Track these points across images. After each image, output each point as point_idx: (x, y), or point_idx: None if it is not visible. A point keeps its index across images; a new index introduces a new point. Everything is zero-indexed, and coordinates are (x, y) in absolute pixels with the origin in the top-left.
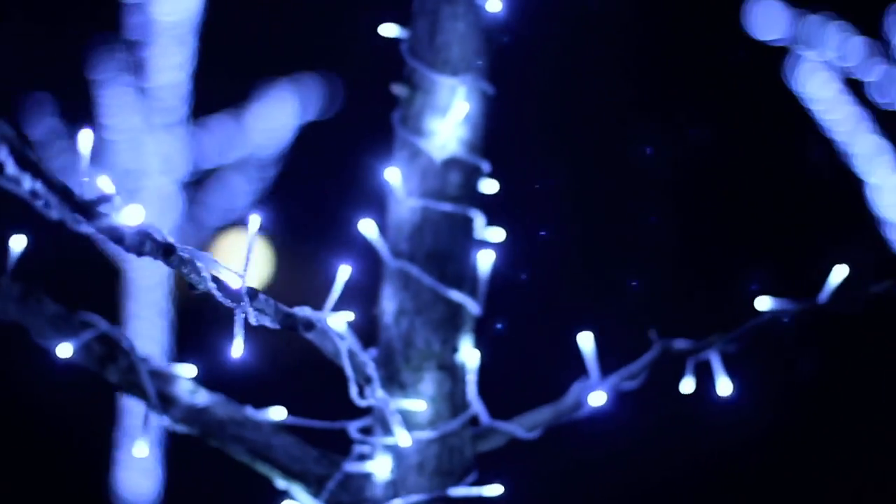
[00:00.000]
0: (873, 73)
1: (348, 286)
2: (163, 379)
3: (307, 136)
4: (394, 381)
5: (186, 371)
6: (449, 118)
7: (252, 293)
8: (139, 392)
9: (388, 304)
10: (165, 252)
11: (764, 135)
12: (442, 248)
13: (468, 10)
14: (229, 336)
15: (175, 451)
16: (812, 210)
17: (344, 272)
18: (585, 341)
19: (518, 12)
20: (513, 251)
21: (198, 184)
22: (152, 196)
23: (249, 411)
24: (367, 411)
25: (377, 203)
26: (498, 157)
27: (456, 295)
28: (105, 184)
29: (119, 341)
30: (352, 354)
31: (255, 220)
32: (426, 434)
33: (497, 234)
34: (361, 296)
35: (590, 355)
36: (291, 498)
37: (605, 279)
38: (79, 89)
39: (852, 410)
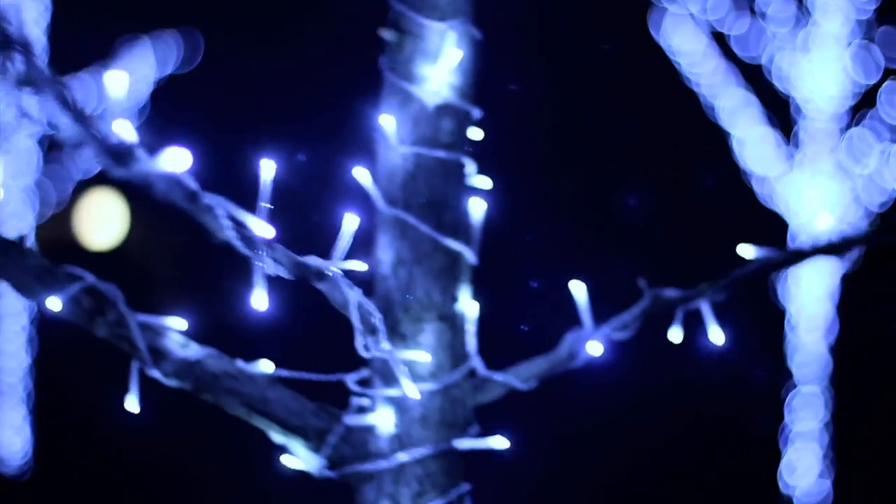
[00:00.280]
0: (738, 27)
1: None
2: (153, 332)
3: (291, 83)
4: (394, 333)
5: (177, 324)
6: (441, 64)
7: (270, 243)
8: (129, 345)
9: (385, 253)
10: (191, 199)
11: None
12: (437, 196)
13: None
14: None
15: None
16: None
17: (350, 221)
18: (578, 290)
19: None
20: (503, 199)
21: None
22: (11, 152)
23: (242, 364)
24: (363, 363)
25: (365, 150)
26: (487, 103)
27: (454, 244)
28: (127, 130)
29: (106, 294)
30: (359, 305)
31: (268, 166)
32: (429, 386)
33: (485, 182)
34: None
35: (583, 304)
36: (289, 453)
37: (595, 228)
38: None
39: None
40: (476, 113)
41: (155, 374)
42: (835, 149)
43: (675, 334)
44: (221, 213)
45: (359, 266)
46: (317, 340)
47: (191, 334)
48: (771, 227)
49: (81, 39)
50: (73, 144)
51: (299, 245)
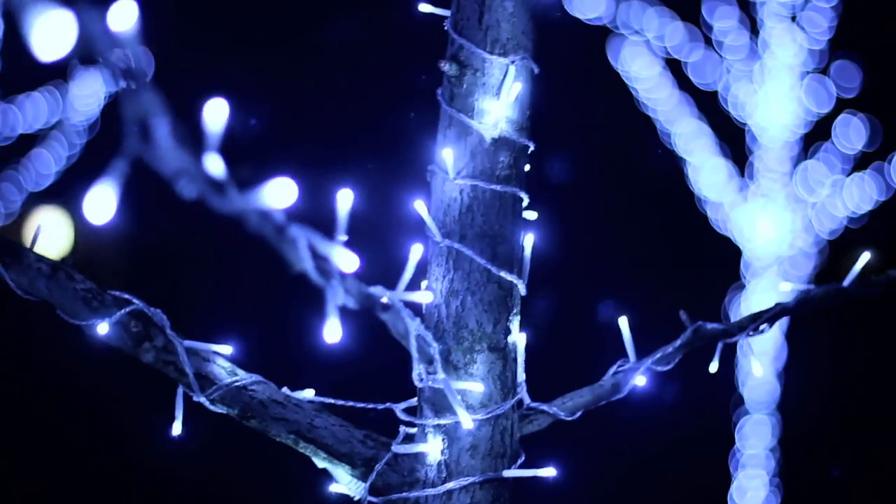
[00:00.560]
0: (693, 56)
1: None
2: (200, 358)
3: (347, 114)
4: (446, 363)
5: (223, 350)
6: (502, 98)
7: (342, 273)
8: (175, 371)
9: (438, 284)
10: (280, 231)
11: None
12: (492, 228)
13: None
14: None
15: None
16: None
17: (416, 251)
18: (623, 325)
19: None
20: (551, 232)
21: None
22: None
23: (288, 392)
24: (412, 392)
25: (421, 182)
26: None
27: (507, 275)
28: (217, 163)
29: (153, 319)
30: (418, 336)
31: (345, 196)
32: (479, 415)
33: (530, 215)
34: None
35: (627, 338)
36: (333, 480)
37: (638, 262)
38: None
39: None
40: (531, 146)
41: (201, 400)
42: (788, 177)
43: (714, 366)
44: (303, 245)
45: (426, 297)
46: (365, 369)
47: (238, 361)
48: (724, 255)
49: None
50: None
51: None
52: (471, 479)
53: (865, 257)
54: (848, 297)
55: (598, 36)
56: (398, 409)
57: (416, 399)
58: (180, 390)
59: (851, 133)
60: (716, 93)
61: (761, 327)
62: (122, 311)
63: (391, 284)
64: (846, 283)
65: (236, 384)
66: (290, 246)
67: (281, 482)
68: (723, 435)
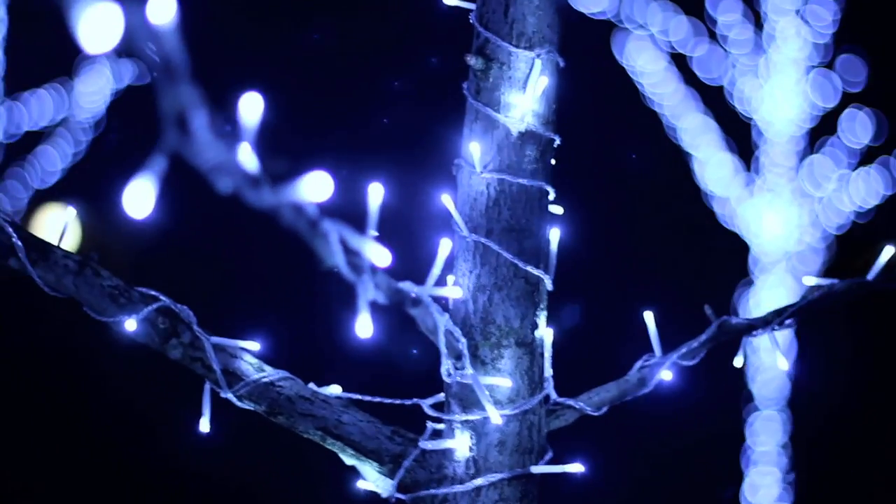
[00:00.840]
0: (697, 50)
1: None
2: (227, 354)
3: (372, 108)
4: (474, 358)
5: (250, 346)
6: (528, 91)
7: (373, 268)
8: (203, 367)
9: (465, 279)
10: (313, 226)
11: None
12: (519, 222)
13: None
14: None
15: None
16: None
17: (445, 246)
18: (649, 319)
19: None
20: (576, 226)
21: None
22: None
23: (316, 388)
24: (439, 388)
25: (447, 176)
26: (565, 130)
27: (534, 270)
28: (249, 155)
29: (180, 316)
30: (447, 331)
31: (376, 191)
32: (507, 411)
33: (556, 210)
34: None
35: (653, 333)
36: (360, 477)
37: (662, 257)
38: None
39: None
40: (557, 140)
41: (228, 396)
42: (795, 171)
43: (739, 361)
44: (334, 239)
45: (455, 292)
46: (392, 364)
47: (265, 357)
48: (731, 250)
49: (40, 53)
50: (209, 168)
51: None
52: (499, 476)
53: (889, 251)
54: (870, 291)
55: (602, 30)
56: (426, 404)
57: (443, 395)
58: (207, 387)
59: (857, 127)
60: (721, 87)
61: (786, 322)
62: (149, 307)
63: (418, 279)
64: (870, 276)
65: (264, 380)
66: (322, 241)
67: (308, 479)
68: (733, 432)
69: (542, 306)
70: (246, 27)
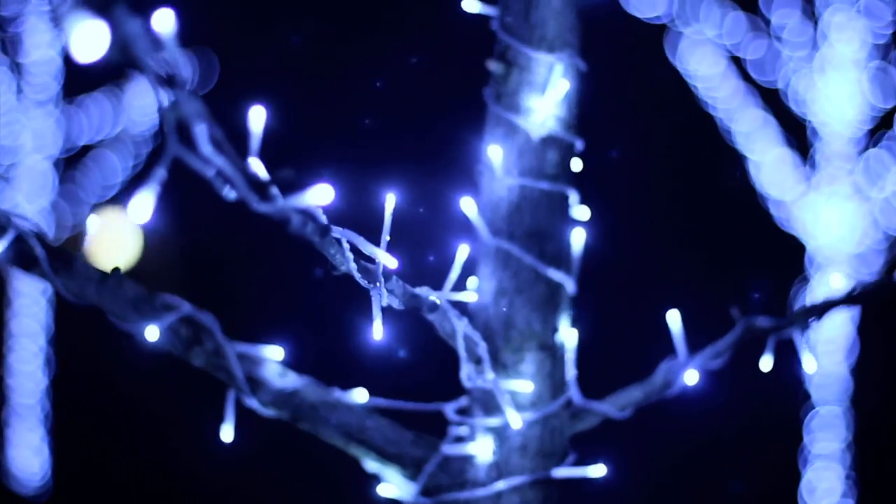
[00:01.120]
0: (753, 50)
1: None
2: (250, 361)
3: (394, 112)
4: (495, 362)
5: (274, 353)
6: (549, 96)
7: (387, 274)
8: (226, 375)
9: (486, 283)
10: (322, 233)
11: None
12: (540, 226)
13: None
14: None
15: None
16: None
17: (463, 251)
18: (673, 320)
19: None
20: (601, 230)
21: (72, 161)
22: (26, 174)
23: (339, 394)
24: (462, 392)
25: (469, 181)
26: (589, 133)
27: (555, 274)
28: (259, 166)
29: (203, 323)
30: (466, 336)
31: (391, 199)
32: (529, 415)
33: (583, 212)
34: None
35: (677, 334)
36: (382, 483)
37: (689, 258)
38: None
39: None
40: (580, 144)
41: (252, 403)
42: (852, 172)
43: (766, 363)
44: (346, 246)
45: (470, 297)
46: (415, 370)
47: (287, 363)
48: (789, 251)
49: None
50: (213, 178)
51: (403, 276)
52: (521, 479)
53: None
54: None
55: (655, 33)
56: (448, 409)
57: (465, 399)
58: (231, 394)
59: None
60: (776, 88)
61: (811, 321)
62: (172, 315)
63: (439, 284)
64: None
65: (287, 387)
66: (334, 248)
67: (329, 486)
68: (790, 431)
69: (564, 309)
70: (261, 30)
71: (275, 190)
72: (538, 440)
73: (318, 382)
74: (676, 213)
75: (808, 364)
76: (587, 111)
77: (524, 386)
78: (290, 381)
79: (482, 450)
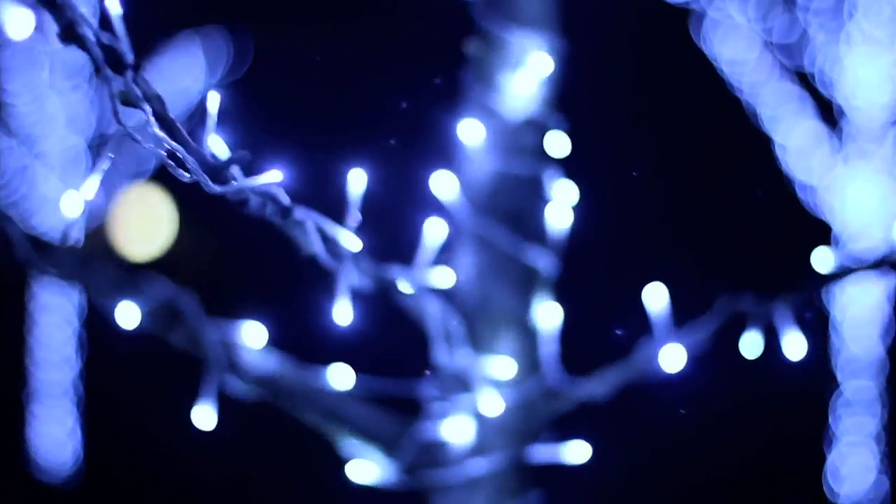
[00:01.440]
0: (781, 31)
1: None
2: (230, 340)
3: (373, 94)
4: (472, 342)
5: (255, 334)
6: (526, 76)
7: (356, 254)
8: (205, 354)
9: (464, 263)
10: (284, 214)
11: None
12: (518, 207)
13: None
14: None
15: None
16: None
17: (432, 228)
18: (651, 297)
19: None
20: (586, 210)
21: (105, 143)
22: (58, 156)
23: (318, 373)
24: (439, 372)
25: (448, 163)
26: (570, 114)
27: (534, 254)
28: (220, 145)
29: (184, 304)
30: (440, 315)
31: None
32: (505, 395)
33: (570, 193)
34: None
35: (656, 312)
36: (361, 461)
37: (676, 238)
38: None
39: None
40: (559, 125)
41: (231, 382)
42: (881, 155)
43: (752, 345)
44: (311, 227)
45: (444, 275)
46: (393, 349)
47: (268, 343)
48: (816, 234)
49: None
50: (169, 161)
51: (382, 257)
52: (498, 458)
53: None
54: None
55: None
56: (425, 388)
57: (442, 378)
58: (209, 374)
59: None
60: (805, 71)
61: (799, 303)
62: (153, 294)
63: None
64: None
65: (266, 366)
66: (298, 229)
67: (306, 471)
68: (815, 414)
69: (543, 289)
70: (225, 9)
71: (232, 171)
72: (516, 420)
73: (298, 361)
74: (672, 196)
75: (793, 349)
76: (579, 92)
77: (501, 365)
78: (270, 359)
79: (459, 429)
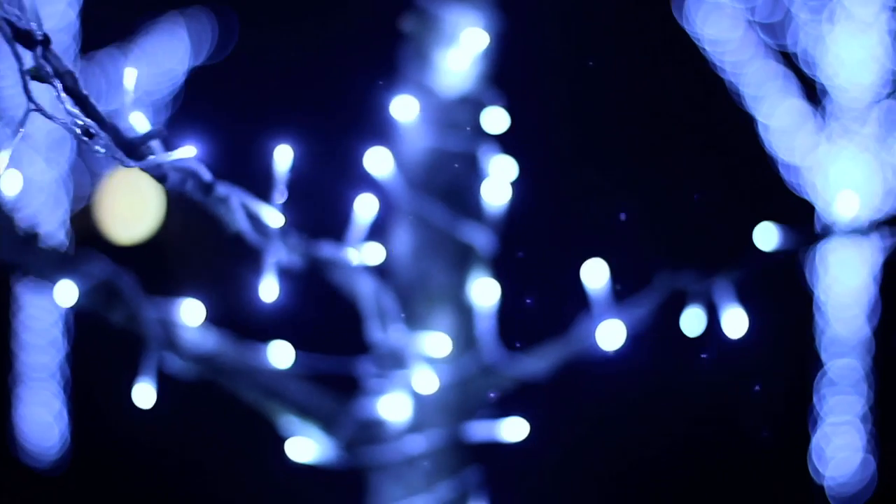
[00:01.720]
0: (765, 11)
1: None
2: (169, 319)
3: (309, 71)
4: (408, 319)
5: (193, 311)
6: (461, 52)
7: (285, 231)
8: (144, 332)
9: (401, 241)
10: (205, 190)
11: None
12: (455, 184)
13: None
14: None
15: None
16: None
17: (363, 204)
18: (590, 274)
19: None
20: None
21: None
22: (42, 139)
23: (257, 351)
24: (376, 350)
25: (384, 140)
26: (508, 90)
27: (470, 231)
28: (140, 121)
29: (122, 282)
30: (373, 292)
31: (284, 153)
32: (442, 372)
33: (508, 169)
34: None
35: (594, 289)
36: (301, 439)
37: (613, 214)
38: None
39: None
40: (496, 101)
41: (170, 361)
42: (865, 134)
43: (691, 321)
44: (235, 203)
45: (375, 250)
46: (329, 326)
47: (206, 320)
48: (798, 213)
49: (112, 13)
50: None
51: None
52: (435, 435)
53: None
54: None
55: None
56: (362, 365)
57: (379, 355)
58: (149, 353)
59: None
60: (789, 51)
61: (736, 284)
62: (92, 273)
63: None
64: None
65: (205, 344)
66: (222, 206)
67: (244, 448)
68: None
69: (481, 267)
70: None
71: (150, 147)
72: (452, 396)
73: (236, 339)
74: (612, 171)
75: (732, 327)
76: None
77: (437, 342)
78: (209, 338)
79: (396, 406)
